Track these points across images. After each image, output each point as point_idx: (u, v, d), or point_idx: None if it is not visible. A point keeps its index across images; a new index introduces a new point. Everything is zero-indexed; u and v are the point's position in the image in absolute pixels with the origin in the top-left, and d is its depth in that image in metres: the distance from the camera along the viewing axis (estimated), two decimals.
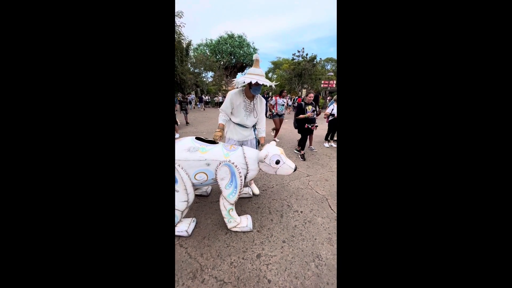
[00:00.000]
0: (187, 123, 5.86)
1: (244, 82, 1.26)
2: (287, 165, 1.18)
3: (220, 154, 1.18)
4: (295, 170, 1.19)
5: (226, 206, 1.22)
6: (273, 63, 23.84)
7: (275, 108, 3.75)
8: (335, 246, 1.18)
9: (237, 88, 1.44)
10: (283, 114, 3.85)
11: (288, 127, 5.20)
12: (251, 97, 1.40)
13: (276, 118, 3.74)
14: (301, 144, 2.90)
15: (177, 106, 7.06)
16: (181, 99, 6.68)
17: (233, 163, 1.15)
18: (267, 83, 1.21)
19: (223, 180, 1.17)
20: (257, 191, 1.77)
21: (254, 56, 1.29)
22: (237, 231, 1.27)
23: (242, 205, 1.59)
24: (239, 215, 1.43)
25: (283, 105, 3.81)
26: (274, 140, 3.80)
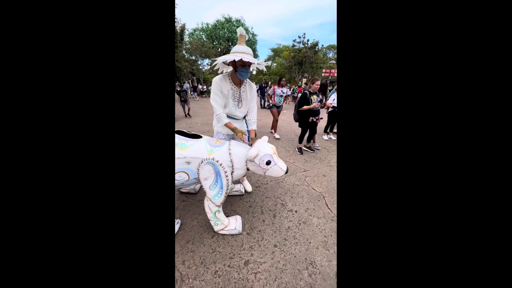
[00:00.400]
0: (186, 115, 5.24)
1: (226, 62, 1.06)
2: (278, 167, 1.04)
3: (203, 151, 1.03)
4: (286, 172, 1.07)
5: (212, 208, 1.10)
6: (273, 50, 22.77)
7: (272, 99, 3.38)
8: (331, 250, 1.08)
9: (221, 73, 1.23)
10: (281, 105, 3.48)
11: (286, 118, 5.00)
12: (238, 84, 1.19)
13: (274, 109, 3.44)
14: (301, 139, 2.66)
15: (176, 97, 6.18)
16: (179, 88, 5.90)
17: (217, 161, 1.01)
18: (254, 61, 0.99)
19: (206, 180, 1.03)
20: (249, 188, 1.65)
21: (238, 31, 1.06)
22: (224, 234, 1.16)
23: (233, 203, 1.48)
24: (229, 215, 1.32)
25: (281, 95, 3.37)
26: (272, 134, 3.57)
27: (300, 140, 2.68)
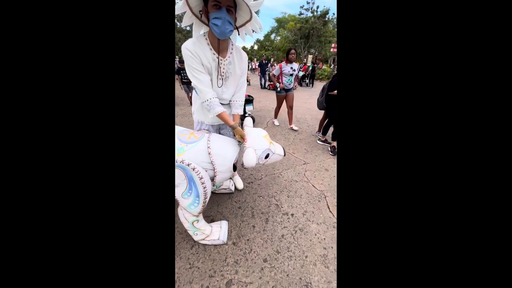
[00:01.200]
0: (190, 102, 3.71)
1: (199, 14, 0.70)
2: (277, 155, 0.93)
3: None
4: (284, 155, 0.96)
5: (189, 218, 0.90)
6: (277, 20, 20.33)
7: (280, 80, 2.46)
8: (331, 268, 0.91)
9: (192, 33, 0.83)
10: (292, 88, 2.54)
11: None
12: (220, 50, 0.79)
13: (281, 94, 2.52)
14: (325, 130, 2.22)
15: (177, 77, 4.06)
16: (179, 65, 3.99)
17: (188, 165, 0.76)
18: None
19: (177, 187, 0.80)
20: (240, 185, 1.45)
21: None
22: (206, 244, 0.99)
23: (220, 204, 1.29)
24: (214, 219, 1.14)
25: (291, 74, 2.39)
26: (291, 128, 2.62)
27: (325, 131, 2.25)
